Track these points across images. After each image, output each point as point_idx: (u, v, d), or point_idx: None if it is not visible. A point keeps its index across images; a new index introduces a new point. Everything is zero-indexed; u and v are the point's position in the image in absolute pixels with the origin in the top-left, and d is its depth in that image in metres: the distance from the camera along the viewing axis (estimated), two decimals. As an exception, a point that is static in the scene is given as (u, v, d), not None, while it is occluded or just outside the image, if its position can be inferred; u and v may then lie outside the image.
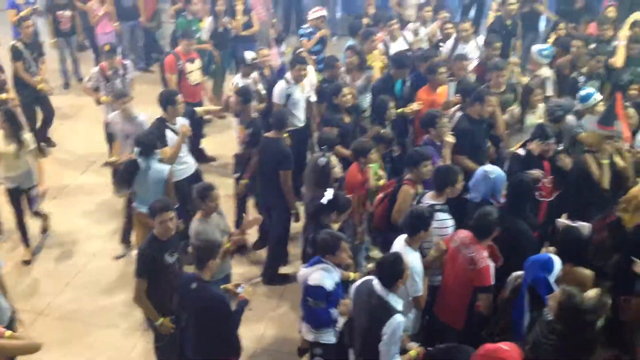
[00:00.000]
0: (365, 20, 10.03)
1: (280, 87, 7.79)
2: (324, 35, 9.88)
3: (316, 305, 4.95)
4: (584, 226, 5.19)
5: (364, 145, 6.32)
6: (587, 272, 4.87)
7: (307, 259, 5.44)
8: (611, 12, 9.82)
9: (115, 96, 7.49)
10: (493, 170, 5.66)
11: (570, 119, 6.93)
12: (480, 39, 9.09)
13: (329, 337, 5.11)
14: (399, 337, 4.47)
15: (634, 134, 6.77)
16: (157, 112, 7.13)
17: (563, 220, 5.31)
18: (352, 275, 5.32)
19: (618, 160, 6.27)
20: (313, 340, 5.15)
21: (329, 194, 5.49)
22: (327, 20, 10.31)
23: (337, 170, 6.16)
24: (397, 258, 4.60)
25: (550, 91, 7.97)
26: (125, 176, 6.51)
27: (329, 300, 4.94)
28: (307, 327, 5.15)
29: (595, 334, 4.29)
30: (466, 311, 5.03)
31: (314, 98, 8.11)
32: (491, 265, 4.89)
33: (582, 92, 7.10)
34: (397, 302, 4.55)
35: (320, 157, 6.11)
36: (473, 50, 8.93)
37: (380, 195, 6.19)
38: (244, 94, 7.30)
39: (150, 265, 5.23)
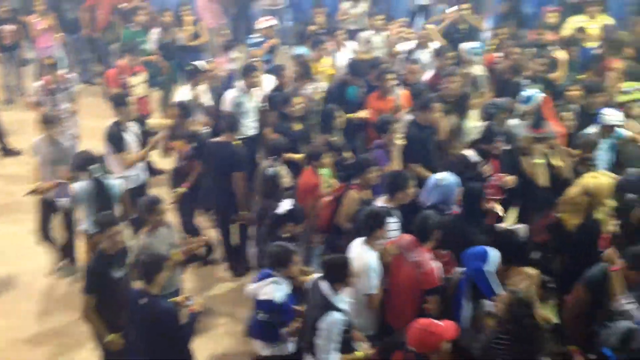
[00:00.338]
0: (312, 28, 10.08)
1: (230, 95, 7.78)
2: (274, 44, 9.88)
3: (268, 319, 4.92)
4: (521, 229, 5.29)
5: (317, 148, 6.39)
6: (532, 271, 4.97)
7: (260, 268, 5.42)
8: (552, 18, 10.07)
9: (43, 121, 7.16)
10: (444, 177, 5.69)
11: (512, 122, 7.04)
12: (436, 44, 9.24)
13: (284, 349, 5.08)
14: (337, 334, 4.50)
15: (570, 136, 6.96)
16: (103, 124, 7.02)
17: (501, 225, 5.37)
18: (297, 284, 5.26)
19: (555, 160, 6.44)
20: (270, 355, 5.10)
21: (285, 204, 5.45)
22: (276, 29, 10.32)
23: (286, 180, 6.14)
24: (344, 260, 4.66)
25: (482, 89, 8.14)
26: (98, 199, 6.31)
27: (280, 313, 4.92)
28: (260, 342, 5.10)
29: (544, 330, 4.40)
30: (417, 315, 5.04)
31: (264, 107, 8.09)
32: (436, 266, 4.95)
33: (525, 94, 7.22)
34: (341, 302, 4.60)
35: (269, 167, 6.09)
36: (429, 56, 9.07)
37: (328, 198, 6.19)
38: (182, 109, 7.29)
39: (98, 280, 5.16)
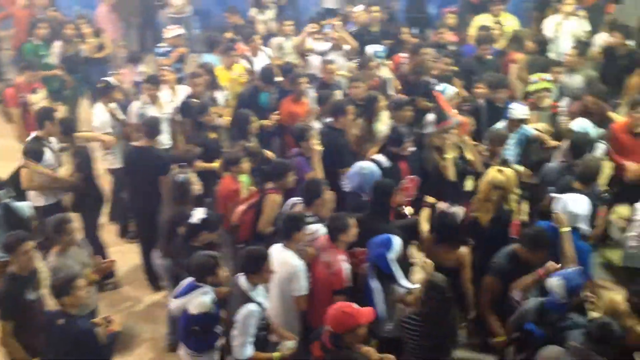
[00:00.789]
0: (228, 35, 10.05)
1: (135, 107, 7.65)
2: (183, 53, 9.76)
3: (203, 332, 4.86)
4: (458, 210, 5.52)
5: (235, 154, 6.36)
6: (464, 250, 5.30)
7: (173, 280, 5.38)
8: (451, 19, 10.41)
9: None
10: (367, 166, 5.97)
11: (429, 117, 7.21)
12: (347, 47, 9.36)
13: (212, 357, 5.02)
14: (252, 326, 4.56)
15: (479, 131, 7.24)
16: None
17: (441, 205, 5.61)
18: (223, 290, 5.21)
19: (467, 154, 6.68)
20: None
21: (198, 213, 5.38)
22: (184, 37, 10.19)
23: (196, 187, 6.07)
24: (262, 252, 4.72)
25: (390, 91, 8.33)
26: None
27: (212, 322, 4.88)
28: (191, 354, 4.99)
29: (454, 317, 4.62)
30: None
31: (178, 117, 7.96)
32: (345, 267, 5.03)
33: (438, 88, 7.51)
34: (259, 296, 4.67)
35: (179, 174, 6.00)
36: (340, 57, 9.16)
37: (243, 207, 6.14)
38: (65, 125, 7.10)
39: (12, 305, 4.99)
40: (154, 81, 7.79)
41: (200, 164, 6.73)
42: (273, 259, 4.95)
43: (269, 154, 7.13)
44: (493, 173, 5.68)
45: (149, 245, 6.63)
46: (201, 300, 4.81)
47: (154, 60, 9.78)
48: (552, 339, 4.37)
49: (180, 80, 8.63)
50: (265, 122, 7.54)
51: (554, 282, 4.47)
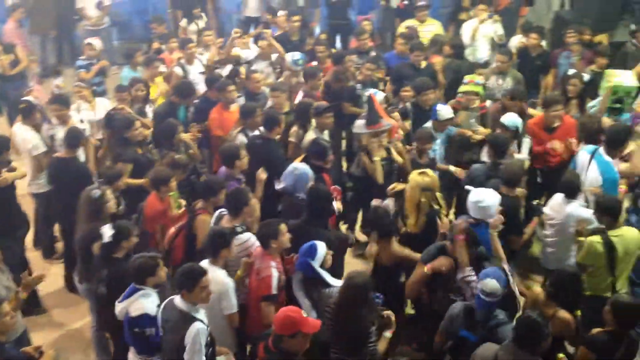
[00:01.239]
0: (155, 45, 9.89)
1: (44, 129, 7.32)
2: (104, 65, 9.53)
3: (145, 334, 4.77)
4: (389, 203, 5.64)
5: (163, 173, 6.21)
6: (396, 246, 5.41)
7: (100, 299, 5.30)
8: (367, 26, 10.61)
9: None
10: (300, 167, 6.05)
11: (359, 123, 7.25)
12: (274, 56, 9.38)
13: None
14: (201, 345, 4.48)
15: (408, 134, 7.41)
16: None
17: (374, 201, 5.71)
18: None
19: (396, 157, 6.81)
20: None
21: (107, 230, 5.27)
22: (103, 49, 9.96)
23: (111, 204, 5.91)
24: (196, 269, 4.63)
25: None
26: None
27: (156, 324, 4.79)
28: (140, 357, 4.92)
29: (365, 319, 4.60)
30: (263, 322, 5.08)
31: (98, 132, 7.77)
32: (274, 275, 5.04)
33: (366, 93, 7.65)
34: (199, 314, 4.60)
35: (94, 189, 5.84)
36: (266, 66, 9.16)
37: (173, 230, 6.00)
38: None
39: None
40: (62, 101, 7.48)
41: (129, 181, 6.57)
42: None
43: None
44: (417, 177, 5.81)
45: (73, 265, 6.42)
46: (140, 302, 4.76)
47: (75, 74, 9.49)
48: (486, 340, 4.46)
49: (102, 94, 8.41)
50: (185, 135, 7.29)
51: (491, 284, 4.53)
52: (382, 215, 5.56)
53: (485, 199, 5.37)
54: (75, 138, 6.71)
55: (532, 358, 4.16)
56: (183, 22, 11.29)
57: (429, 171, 5.96)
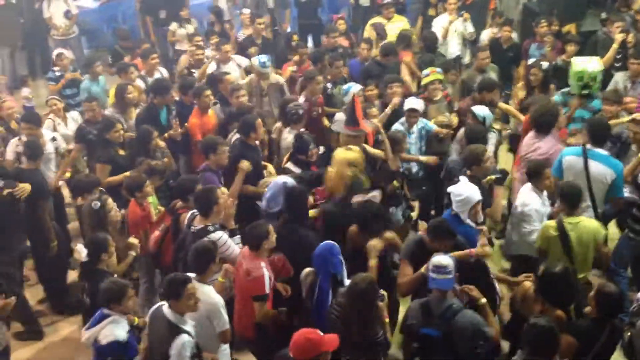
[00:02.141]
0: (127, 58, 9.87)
1: (12, 144, 7.13)
2: (76, 76, 9.39)
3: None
4: (375, 196, 5.70)
5: (136, 179, 6.16)
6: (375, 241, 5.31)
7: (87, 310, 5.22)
8: (341, 25, 10.65)
9: None
10: (290, 181, 5.83)
11: (339, 115, 7.27)
12: (238, 58, 9.35)
13: None
14: (188, 357, 4.45)
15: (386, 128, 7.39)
16: None
17: (357, 197, 5.75)
18: (136, 319, 5.00)
19: (374, 152, 6.78)
20: None
21: (81, 249, 5.24)
22: (74, 59, 9.87)
23: (114, 214, 5.87)
24: (181, 277, 4.59)
25: (286, 94, 8.40)
26: None
27: (126, 351, 4.69)
28: None
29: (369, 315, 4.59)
30: (252, 321, 5.11)
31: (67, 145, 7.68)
32: (266, 274, 5.02)
33: (344, 87, 7.77)
34: (187, 325, 4.55)
35: (95, 200, 5.79)
36: (234, 69, 9.12)
37: (157, 233, 5.96)
38: None
39: None
40: (34, 120, 7.26)
41: (109, 180, 6.59)
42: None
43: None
44: (343, 152, 5.98)
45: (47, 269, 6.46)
46: (109, 328, 4.63)
47: (46, 85, 9.36)
48: (448, 333, 4.46)
49: (77, 106, 8.31)
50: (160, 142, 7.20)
51: (439, 257, 4.60)
52: (367, 212, 5.40)
53: (463, 192, 5.46)
54: (34, 149, 6.57)
55: None
56: (173, 26, 11.26)
57: (354, 147, 6.10)
